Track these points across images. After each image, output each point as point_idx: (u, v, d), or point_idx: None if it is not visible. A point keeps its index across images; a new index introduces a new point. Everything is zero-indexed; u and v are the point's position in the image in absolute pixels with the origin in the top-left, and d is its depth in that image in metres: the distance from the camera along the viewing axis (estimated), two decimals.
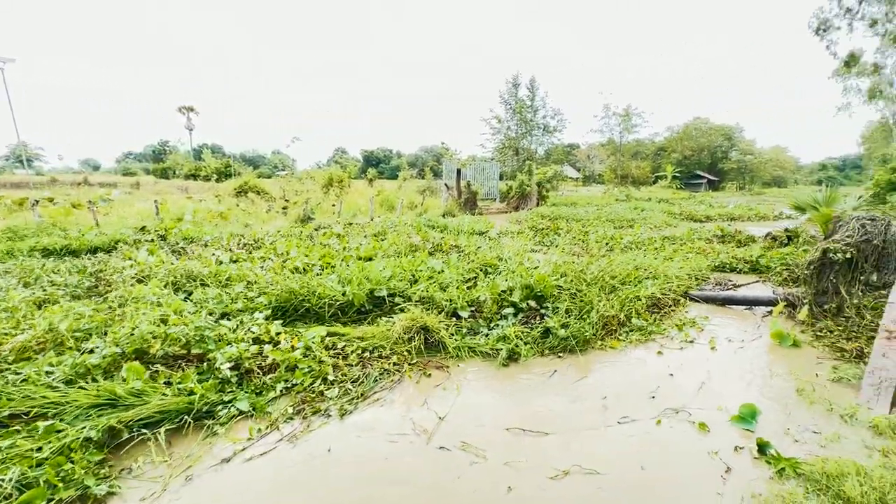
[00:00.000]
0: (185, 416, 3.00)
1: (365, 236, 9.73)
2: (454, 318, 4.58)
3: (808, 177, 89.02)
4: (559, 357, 4.09)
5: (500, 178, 35.15)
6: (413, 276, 5.53)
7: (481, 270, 6.12)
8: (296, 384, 3.48)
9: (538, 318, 4.63)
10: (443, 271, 5.79)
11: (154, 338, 3.64)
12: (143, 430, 2.86)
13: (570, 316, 4.62)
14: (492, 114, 41.65)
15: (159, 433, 2.86)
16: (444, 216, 18.66)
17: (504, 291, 4.96)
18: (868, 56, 32.70)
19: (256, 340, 4.01)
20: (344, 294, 4.82)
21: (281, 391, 3.40)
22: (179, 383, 3.22)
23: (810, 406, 3.29)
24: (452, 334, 4.25)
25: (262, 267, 6.21)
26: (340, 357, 3.91)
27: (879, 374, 3.38)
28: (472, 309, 4.70)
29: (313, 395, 3.37)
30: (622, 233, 11.40)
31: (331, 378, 3.57)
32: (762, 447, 2.75)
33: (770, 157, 62.07)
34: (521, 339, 4.21)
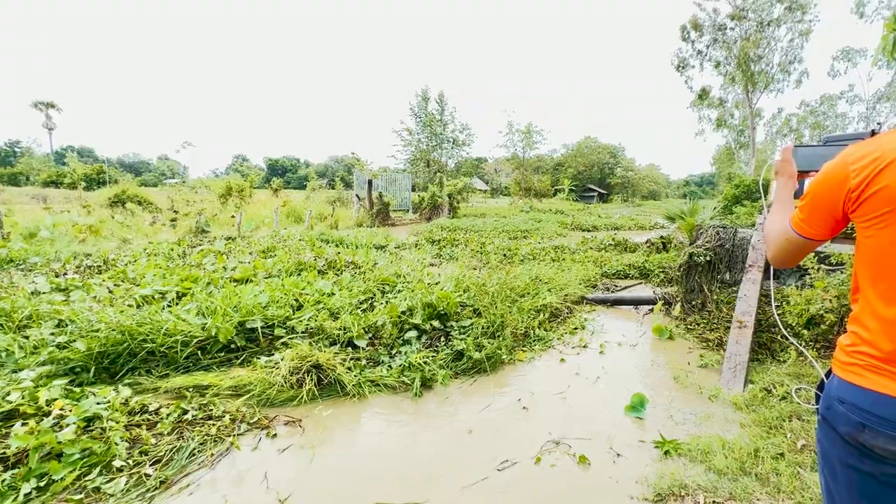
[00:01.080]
0: None
1: (250, 253, 8.64)
2: (350, 349, 4.05)
3: (676, 191, 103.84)
4: (472, 378, 3.90)
5: (413, 189, 35.43)
6: (297, 301, 4.75)
7: (379, 290, 5.64)
8: (57, 480, 2.32)
9: (444, 338, 4.41)
10: (333, 294, 5.18)
11: None
12: None
13: (476, 332, 4.44)
14: (403, 126, 41.96)
15: None
16: (358, 226, 18.29)
17: (404, 313, 4.60)
18: (716, 91, 39.44)
19: (9, 416, 2.70)
20: (204, 328, 3.85)
21: (27, 497, 2.23)
22: None
23: (684, 390, 3.77)
24: (350, 368, 3.71)
25: (96, 297, 4.77)
26: (145, 426, 2.83)
27: (734, 359, 3.98)
28: (371, 336, 4.26)
29: (80, 498, 2.26)
30: (519, 244, 12.05)
31: (120, 463, 2.50)
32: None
33: (647, 174, 71.14)
34: (434, 364, 3.88)
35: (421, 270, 7.00)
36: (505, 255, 9.92)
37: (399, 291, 5.64)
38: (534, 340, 4.79)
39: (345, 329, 4.21)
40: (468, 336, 4.37)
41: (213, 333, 3.83)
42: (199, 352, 3.75)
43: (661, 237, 11.32)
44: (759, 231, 6.15)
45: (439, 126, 40.01)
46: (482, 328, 4.52)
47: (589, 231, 18.79)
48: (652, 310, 6.14)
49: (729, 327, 4.83)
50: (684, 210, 11.15)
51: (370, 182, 21.86)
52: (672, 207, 12.24)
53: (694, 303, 5.77)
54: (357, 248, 9.62)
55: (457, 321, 4.74)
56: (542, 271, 7.37)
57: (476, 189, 41.13)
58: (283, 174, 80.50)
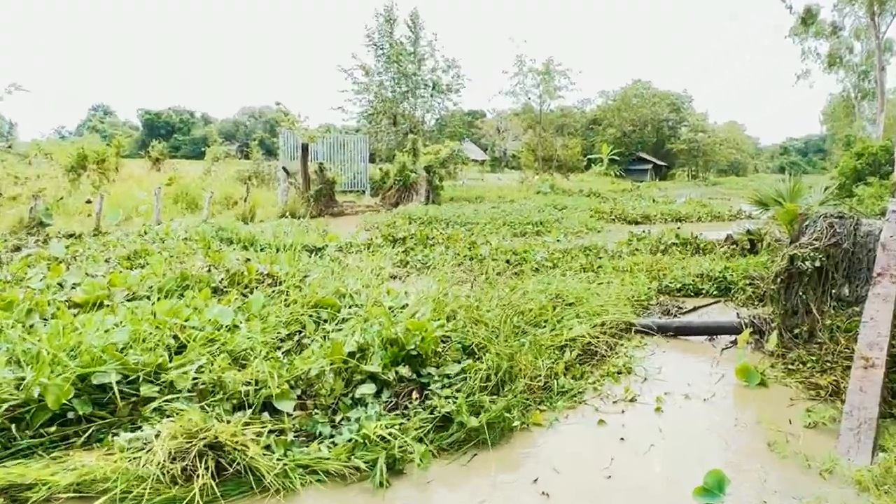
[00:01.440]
0: None
1: (107, 260, 8.48)
2: (269, 415, 3.88)
3: (769, 162, 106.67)
4: (465, 454, 3.90)
5: (372, 159, 35.44)
6: (177, 339, 4.49)
7: (312, 318, 5.47)
8: None
9: (418, 394, 4.31)
10: (237, 327, 4.95)
11: None
12: None
13: (470, 385, 4.39)
14: (355, 62, 41.94)
15: None
16: (287, 216, 18.18)
17: (354, 355, 4.46)
18: (826, 13, 40.58)
19: None
20: (20, 388, 3.56)
21: None
22: None
23: (784, 462, 3.83)
24: (269, 447, 3.57)
25: None
26: None
27: (857, 415, 4.06)
28: (301, 394, 4.09)
29: None
30: (530, 244, 12.16)
31: None
32: None
33: (725, 137, 72.57)
34: (406, 436, 3.78)
35: (378, 287, 6.92)
36: (508, 261, 10.00)
37: (344, 321, 5.50)
38: (557, 394, 4.82)
39: (258, 384, 4.03)
40: (459, 391, 4.34)
41: (35, 395, 3.56)
42: (10, 426, 3.47)
43: (748, 232, 11.50)
44: (892, 220, 6.31)
45: (411, 63, 40.11)
46: (479, 377, 4.50)
47: (638, 223, 19.06)
48: (735, 342, 6.23)
49: (849, 367, 4.93)
50: (781, 191, 11.36)
51: (305, 148, 21.75)
52: (763, 187, 12.43)
53: (797, 331, 5.87)
54: (278, 251, 9.30)
55: (437, 366, 4.62)
56: (567, 286, 7.45)
57: (469, 159, 41.44)
58: (168, 135, 79.62)
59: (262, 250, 10.04)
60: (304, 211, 19.62)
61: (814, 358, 5.48)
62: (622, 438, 4.18)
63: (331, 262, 8.96)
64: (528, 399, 4.59)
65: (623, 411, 4.65)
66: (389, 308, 5.78)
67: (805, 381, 5.15)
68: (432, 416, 4.07)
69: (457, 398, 4.19)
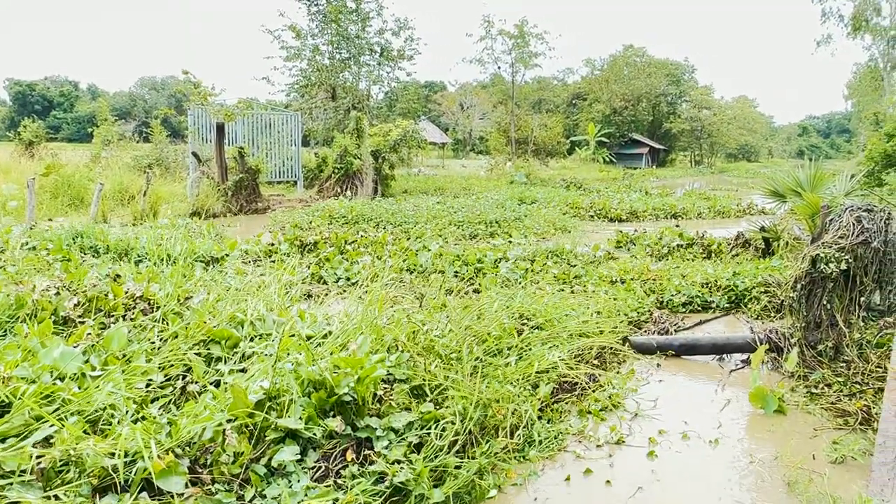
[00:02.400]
0: None
1: None
2: (149, 496, 3.45)
3: (786, 145, 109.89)
4: None
5: (306, 142, 35.10)
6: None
7: (202, 356, 5.07)
8: None
9: (356, 454, 4.03)
10: (92, 370, 4.52)
11: None
12: None
13: (432, 442, 4.19)
14: (284, 21, 41.49)
15: None
16: (193, 216, 17.87)
17: (264, 405, 4.10)
18: None
19: None
20: None
21: None
22: None
23: None
24: None
25: None
26: None
27: (893, 447, 4.18)
28: (193, 463, 3.66)
29: None
30: (482, 248, 11.81)
31: None
32: None
33: (735, 115, 74.34)
34: None
35: (287, 310, 6.44)
36: (457, 273, 9.85)
37: (247, 358, 5.11)
38: (533, 442, 4.69)
39: (128, 456, 3.50)
40: (417, 451, 4.11)
41: None
42: None
43: (762, 229, 11.79)
44: None
45: (354, 23, 39.93)
46: (446, 431, 4.27)
47: (622, 221, 19.32)
48: (747, 361, 6.36)
49: (882, 389, 5.08)
50: (800, 180, 11.68)
51: (220, 128, 21.40)
52: (779, 175, 12.76)
53: (821, 347, 6.03)
54: (161, 263, 8.77)
55: (379, 415, 4.33)
56: (535, 303, 7.30)
57: (426, 142, 41.38)
58: (44, 112, 77.78)
59: (139, 263, 9.49)
60: (220, 207, 19.30)
61: (841, 379, 5.64)
62: (608, 483, 4.22)
63: (238, 275, 8.52)
64: (497, 452, 4.44)
65: (610, 455, 4.67)
66: (308, 338, 5.36)
67: (831, 407, 5.28)
68: (381, 485, 3.78)
69: (410, 461, 3.96)
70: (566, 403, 5.43)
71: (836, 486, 4.12)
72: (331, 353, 4.84)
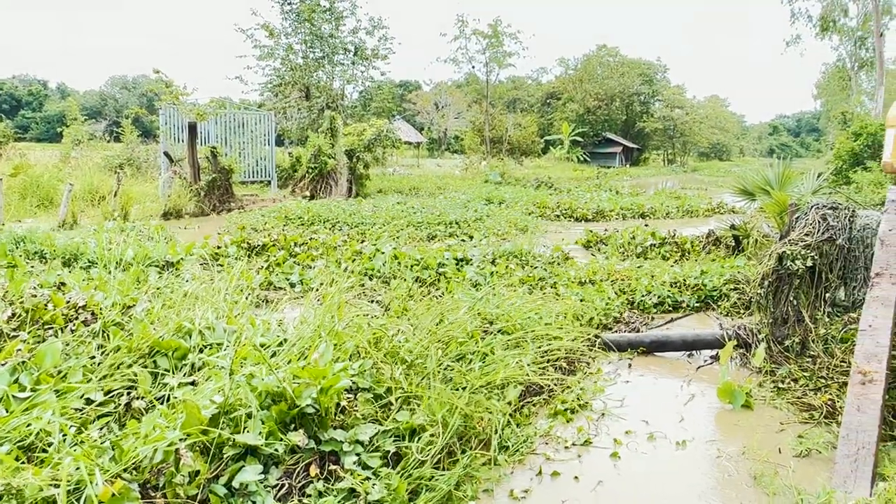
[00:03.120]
0: None
1: None
2: None
3: (757, 144, 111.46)
4: None
5: (280, 142, 34.87)
6: None
7: (148, 369, 4.69)
8: None
9: (321, 469, 3.82)
10: (22, 389, 4.10)
11: None
12: None
13: (408, 457, 4.06)
14: (257, 20, 41.21)
15: None
16: (165, 216, 17.71)
17: (219, 420, 3.81)
18: None
19: None
20: None
21: None
22: None
23: (773, 500, 3.99)
24: None
25: None
26: None
27: (855, 439, 4.27)
28: (144, 487, 3.43)
29: None
30: (440, 250, 11.22)
31: None
32: None
33: (707, 115, 75.27)
34: None
35: (237, 318, 5.82)
36: (418, 277, 9.48)
37: (197, 370, 4.72)
38: (500, 447, 4.59)
39: (71, 485, 3.19)
40: (393, 464, 3.99)
41: None
42: None
43: (733, 227, 11.95)
44: (892, 211, 6.67)
45: (327, 21, 39.79)
46: (421, 440, 4.16)
47: (589, 221, 19.32)
48: (716, 357, 6.45)
49: (846, 383, 5.17)
50: (769, 178, 11.86)
51: (193, 128, 21.23)
52: (749, 174, 12.94)
53: (788, 343, 6.13)
54: (114, 270, 7.98)
55: (346, 427, 4.10)
56: (497, 305, 7.04)
57: (401, 142, 41.35)
58: (12, 112, 76.64)
59: (89, 268, 8.98)
60: (192, 207, 19.14)
61: (807, 374, 5.74)
62: (576, 479, 4.27)
63: (192, 280, 7.92)
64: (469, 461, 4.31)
65: (580, 455, 4.68)
66: (262, 346, 4.94)
67: (797, 402, 5.38)
68: (352, 501, 3.63)
69: (380, 474, 3.81)
70: (534, 406, 5.41)
71: (800, 479, 4.21)
72: (288, 363, 4.55)
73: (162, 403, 4.15)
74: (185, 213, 18.69)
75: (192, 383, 4.56)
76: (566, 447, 4.82)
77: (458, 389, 4.88)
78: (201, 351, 5.04)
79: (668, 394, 5.85)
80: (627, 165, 64.55)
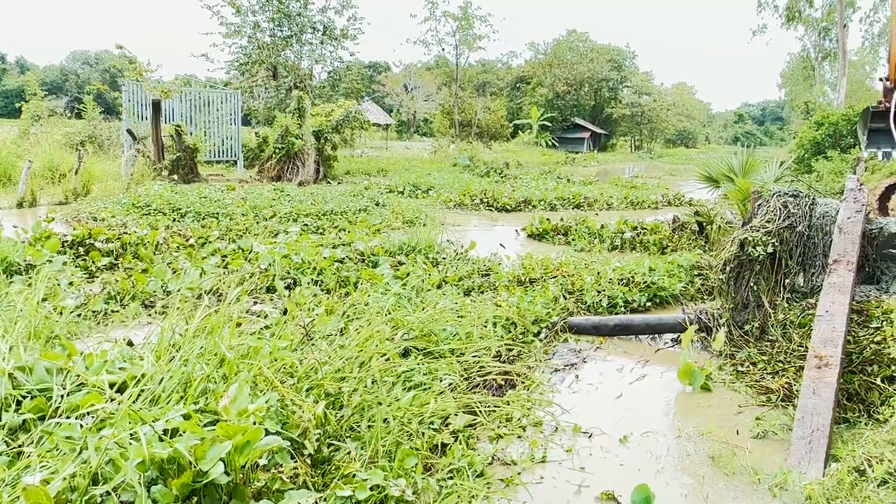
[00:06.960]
0: None
1: None
2: None
3: (723, 132, 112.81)
4: None
5: (246, 121, 34.37)
6: None
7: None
8: None
9: None
10: None
11: None
12: None
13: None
14: None
15: None
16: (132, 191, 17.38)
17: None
18: None
19: None
20: None
21: None
22: None
23: (731, 479, 4.07)
24: None
25: None
26: None
27: (810, 422, 4.38)
28: None
29: None
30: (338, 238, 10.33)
31: None
32: None
33: (674, 102, 75.98)
34: None
35: (55, 348, 4.33)
36: (318, 282, 8.10)
37: (14, 432, 3.34)
38: (444, 478, 3.81)
39: None
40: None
41: None
42: None
43: (697, 213, 12.11)
44: (850, 200, 6.83)
45: (296, 0, 39.24)
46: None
47: (509, 211, 18.17)
48: (678, 339, 6.55)
49: (803, 367, 5.30)
50: (733, 166, 12.03)
51: (157, 105, 20.88)
52: (713, 161, 13.13)
53: (748, 327, 6.26)
54: None
55: (270, 496, 3.09)
56: (409, 314, 6.10)
57: (370, 123, 41.10)
58: None
59: None
60: (158, 185, 18.86)
61: (765, 358, 5.86)
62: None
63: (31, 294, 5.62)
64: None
65: (542, 478, 4.11)
66: (111, 387, 3.64)
67: (755, 385, 5.48)
68: None
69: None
70: (474, 429, 4.62)
71: (757, 460, 4.30)
72: (189, 422, 3.12)
73: None
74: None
75: (18, 454, 3.17)
76: (519, 472, 4.13)
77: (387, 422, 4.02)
78: (18, 405, 3.54)
79: (629, 376, 5.91)
80: (595, 151, 64.93)
